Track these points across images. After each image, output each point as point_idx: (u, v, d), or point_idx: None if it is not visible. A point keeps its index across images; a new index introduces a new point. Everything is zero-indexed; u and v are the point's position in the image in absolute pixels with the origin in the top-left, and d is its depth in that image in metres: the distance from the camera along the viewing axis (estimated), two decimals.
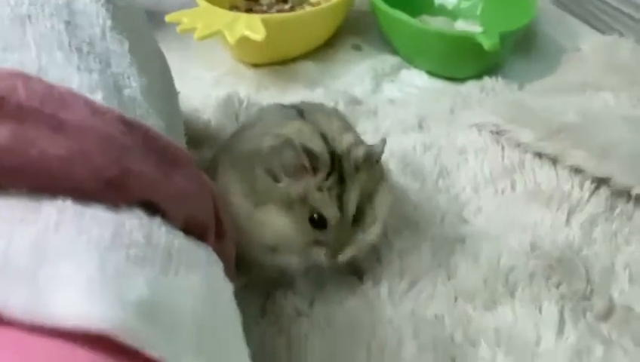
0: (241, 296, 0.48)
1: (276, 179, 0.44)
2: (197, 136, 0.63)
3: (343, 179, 0.44)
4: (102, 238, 0.26)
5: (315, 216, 0.43)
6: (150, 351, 0.24)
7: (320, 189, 0.43)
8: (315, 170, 0.43)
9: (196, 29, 0.70)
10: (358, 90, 0.78)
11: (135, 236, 0.28)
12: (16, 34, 0.36)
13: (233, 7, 0.85)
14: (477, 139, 0.64)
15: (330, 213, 0.43)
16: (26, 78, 0.28)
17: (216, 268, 0.34)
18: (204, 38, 0.69)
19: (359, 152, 0.45)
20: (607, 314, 0.47)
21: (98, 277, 0.24)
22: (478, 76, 0.81)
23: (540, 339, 0.45)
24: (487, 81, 0.78)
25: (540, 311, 0.47)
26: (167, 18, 0.72)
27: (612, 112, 0.63)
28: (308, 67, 0.82)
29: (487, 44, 0.72)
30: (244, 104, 0.69)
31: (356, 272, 0.51)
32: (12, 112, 0.27)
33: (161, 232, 0.30)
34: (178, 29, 0.70)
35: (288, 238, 0.45)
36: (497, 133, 0.64)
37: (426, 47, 0.81)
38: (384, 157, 0.57)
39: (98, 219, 0.27)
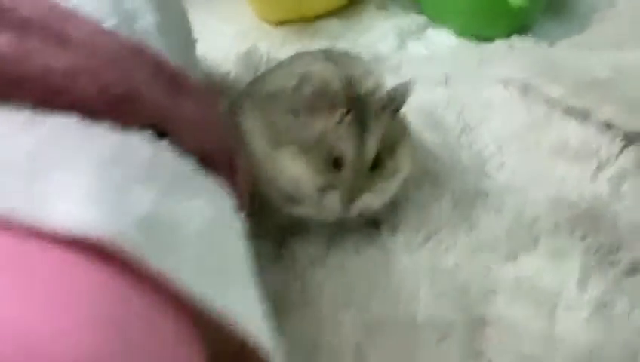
0: (255, 240, 0.49)
1: (296, 117, 0.43)
2: (215, 87, 0.62)
3: (363, 121, 0.43)
4: (104, 153, 0.26)
5: (332, 155, 0.43)
6: (148, 264, 0.23)
7: (339, 125, 0.42)
8: (333, 106, 0.42)
9: None
10: (383, 47, 0.76)
11: (140, 155, 0.27)
12: None
13: None
14: (503, 94, 0.62)
15: (347, 150, 0.42)
16: None
17: (225, 199, 0.34)
18: None
19: (381, 94, 0.44)
20: (634, 269, 0.46)
21: (98, 187, 0.24)
22: (507, 36, 0.78)
23: (562, 291, 0.43)
24: (516, 40, 0.75)
25: (563, 263, 0.45)
26: None
27: None
28: (331, 24, 0.80)
29: (514, 1, 0.70)
30: (265, 59, 0.69)
31: (373, 223, 0.50)
32: (15, 23, 0.26)
33: (167, 155, 0.29)
34: None
35: (304, 181, 0.44)
36: (524, 88, 0.61)
37: (452, 4, 0.78)
38: (405, 109, 0.56)
39: (102, 135, 0.27)
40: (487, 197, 0.52)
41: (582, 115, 0.57)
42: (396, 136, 0.46)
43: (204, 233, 0.28)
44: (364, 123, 0.43)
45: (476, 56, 0.73)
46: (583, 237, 0.47)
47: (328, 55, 0.51)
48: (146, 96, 0.30)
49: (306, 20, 0.80)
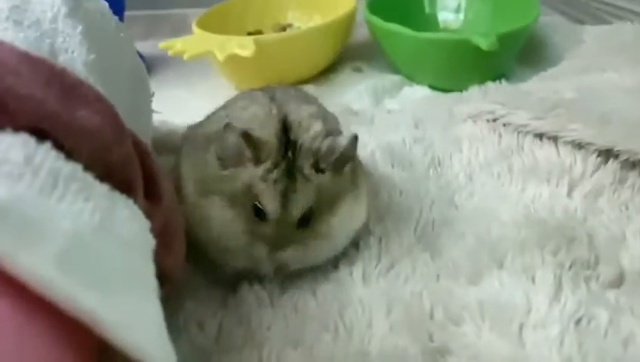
0: (205, 287, 0.46)
1: (224, 167, 0.41)
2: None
3: (292, 173, 0.40)
4: None
5: (257, 203, 0.40)
6: None
7: (264, 180, 0.40)
8: (258, 158, 0.40)
9: (185, 51, 0.71)
10: (357, 105, 0.76)
11: (12, 154, 0.25)
12: None
13: None
14: (472, 129, 0.60)
15: (270, 206, 0.40)
16: None
17: (126, 211, 0.31)
18: (193, 57, 0.70)
19: (322, 144, 0.41)
20: (617, 281, 0.40)
21: None
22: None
23: (531, 309, 0.38)
24: (490, 85, 0.74)
25: (533, 281, 0.40)
26: (161, 45, 0.74)
27: (613, 86, 0.58)
28: (308, 89, 0.81)
29: (484, 43, 0.69)
30: None
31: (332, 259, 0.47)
32: None
33: (47, 156, 0.27)
34: (169, 51, 0.72)
35: (231, 233, 0.41)
36: (494, 120, 0.59)
37: (425, 58, 0.79)
38: (369, 153, 0.54)
39: None
40: (453, 226, 0.48)
41: (553, 139, 0.54)
42: (341, 188, 0.42)
43: (78, 234, 0.26)
44: (294, 175, 0.40)
45: (448, 102, 0.72)
46: (555, 253, 0.43)
47: (273, 95, 0.48)
48: (28, 97, 0.29)
49: None
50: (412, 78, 0.83)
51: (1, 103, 0.28)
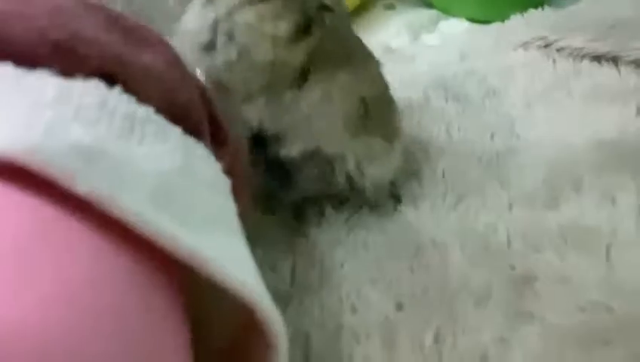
0: (267, 231, 0.45)
1: None
2: None
3: None
4: (43, 95, 0.23)
5: None
6: (77, 185, 0.20)
7: None
8: None
9: None
10: (395, 43, 0.74)
11: (86, 99, 0.24)
12: None
13: None
14: (524, 56, 0.58)
15: None
16: None
17: (200, 150, 0.30)
18: None
19: None
20: None
21: (27, 120, 0.21)
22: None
23: (616, 230, 0.37)
24: (533, 13, 0.71)
25: (614, 203, 0.39)
26: None
27: None
28: None
29: None
30: None
31: (394, 197, 0.46)
32: None
33: (120, 100, 0.26)
34: None
35: None
36: (546, 46, 0.57)
37: None
38: (421, 89, 0.52)
39: (42, 79, 0.24)
40: (519, 155, 0.47)
41: (611, 59, 0.52)
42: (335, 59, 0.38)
43: (164, 174, 0.25)
44: None
45: (492, 33, 0.69)
46: (634, 176, 0.41)
47: None
48: (95, 41, 0.27)
49: None
50: (448, 12, 0.79)
51: (70, 48, 0.26)
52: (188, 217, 0.24)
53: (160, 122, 0.28)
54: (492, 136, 0.50)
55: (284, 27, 0.36)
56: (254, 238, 0.44)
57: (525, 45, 0.59)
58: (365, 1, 0.84)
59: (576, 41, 0.53)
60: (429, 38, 0.75)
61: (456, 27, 0.76)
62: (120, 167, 0.23)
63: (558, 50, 0.56)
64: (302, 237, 0.44)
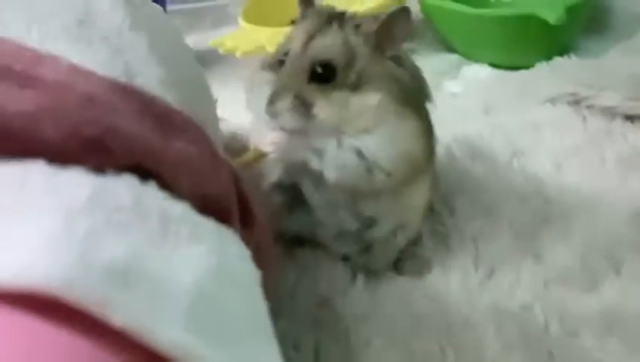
0: (290, 302, 0.44)
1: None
2: (243, 147, 0.60)
3: (330, 23, 0.38)
4: (76, 199, 0.22)
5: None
6: (113, 316, 0.19)
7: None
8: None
9: (237, 48, 0.68)
10: None
11: (121, 199, 0.23)
12: (19, 31, 0.34)
13: None
14: (552, 113, 0.56)
15: (293, 41, 0.39)
16: None
17: (233, 246, 0.29)
18: (246, 54, 0.67)
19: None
20: None
21: (59, 236, 0.20)
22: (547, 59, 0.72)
23: None
24: (559, 61, 0.70)
25: None
26: (210, 43, 0.71)
27: None
28: None
29: (552, 17, 0.65)
30: None
31: (422, 263, 0.44)
32: None
33: (155, 197, 0.25)
34: (220, 50, 0.69)
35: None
36: (576, 102, 0.55)
37: (485, 36, 0.74)
38: (445, 146, 0.51)
39: (75, 180, 0.23)
40: (551, 226, 0.45)
41: None
42: (375, 80, 0.37)
43: (204, 288, 0.24)
44: (328, 26, 0.38)
45: (516, 82, 0.68)
46: None
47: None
48: (127, 134, 0.27)
49: None
50: (470, 57, 0.78)
51: (103, 144, 0.25)
52: (222, 332, 0.23)
53: (194, 220, 0.27)
54: (521, 201, 0.48)
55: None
56: (277, 310, 0.43)
57: (553, 100, 0.57)
58: None
59: (610, 100, 0.52)
60: (452, 85, 0.74)
61: (478, 73, 0.75)
62: (156, 288, 0.21)
63: (588, 107, 0.54)
64: (327, 310, 0.42)
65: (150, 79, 0.37)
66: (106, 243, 0.21)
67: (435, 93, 0.70)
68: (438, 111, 0.65)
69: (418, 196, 0.42)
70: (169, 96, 0.37)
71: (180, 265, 0.23)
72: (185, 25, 0.96)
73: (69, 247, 0.20)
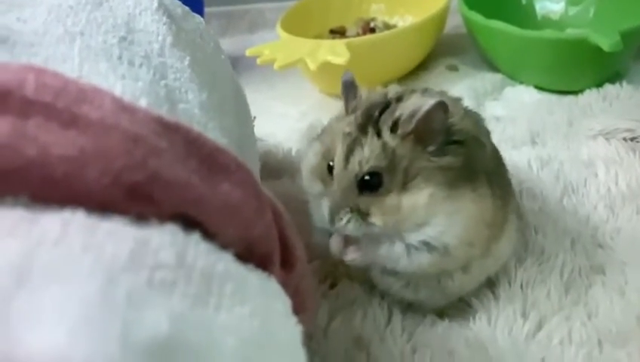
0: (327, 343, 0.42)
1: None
2: (278, 166, 0.58)
3: (366, 130, 0.37)
4: (116, 257, 0.20)
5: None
6: None
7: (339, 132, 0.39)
8: (348, 109, 0.40)
9: (276, 59, 0.66)
10: None
11: (163, 256, 0.22)
12: (61, 50, 0.32)
13: None
14: (606, 149, 0.53)
15: (335, 157, 0.38)
16: (39, 71, 0.24)
17: (277, 302, 0.28)
18: (284, 67, 0.65)
19: (406, 107, 0.37)
20: None
21: (98, 305, 0.18)
22: (598, 86, 0.69)
23: None
24: (610, 89, 0.66)
25: None
26: (248, 52, 0.69)
27: None
28: None
29: (606, 44, 0.61)
30: None
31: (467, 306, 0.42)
32: (16, 107, 0.22)
33: (199, 252, 0.24)
34: (258, 60, 0.67)
35: (309, 179, 0.41)
36: (632, 139, 0.52)
37: (532, 57, 0.71)
38: None
39: (116, 234, 0.21)
40: (605, 276, 0.42)
41: None
42: (426, 173, 0.36)
43: (243, 353, 0.22)
44: (365, 134, 0.37)
45: (565, 109, 0.65)
46: None
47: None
48: (172, 181, 0.25)
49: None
50: (515, 78, 0.75)
51: (146, 192, 0.24)
52: None
53: (238, 275, 0.26)
54: (573, 245, 0.46)
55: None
56: (313, 352, 0.41)
57: (606, 134, 0.54)
58: (426, 60, 0.81)
59: None
60: (494, 106, 0.71)
61: (523, 95, 0.72)
62: (196, 358, 0.20)
63: None
64: (362, 352, 0.40)
65: (192, 105, 0.35)
66: (148, 311, 0.19)
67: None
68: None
69: (505, 244, 0.41)
70: (210, 123, 0.35)
71: (221, 332, 0.22)
72: (221, 28, 0.94)
73: (108, 323, 0.18)
